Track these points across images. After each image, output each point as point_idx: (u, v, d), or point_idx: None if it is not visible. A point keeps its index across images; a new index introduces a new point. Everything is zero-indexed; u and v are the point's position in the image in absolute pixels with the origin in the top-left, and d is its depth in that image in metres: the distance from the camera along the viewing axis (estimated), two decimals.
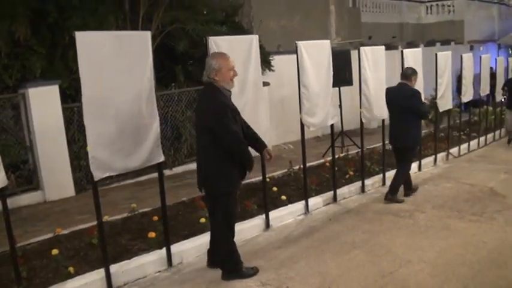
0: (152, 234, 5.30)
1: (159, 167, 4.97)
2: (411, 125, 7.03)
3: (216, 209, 4.58)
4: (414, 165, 8.96)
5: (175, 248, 5.14)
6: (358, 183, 7.73)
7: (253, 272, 4.75)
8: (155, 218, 5.75)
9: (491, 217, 6.35)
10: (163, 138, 4.88)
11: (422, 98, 8.51)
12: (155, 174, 5.17)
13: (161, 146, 4.86)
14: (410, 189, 7.44)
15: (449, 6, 21.86)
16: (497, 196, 7.33)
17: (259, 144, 4.75)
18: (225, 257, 4.70)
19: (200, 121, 4.49)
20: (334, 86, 6.95)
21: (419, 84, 8.68)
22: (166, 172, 5.46)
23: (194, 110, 4.72)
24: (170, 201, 5.44)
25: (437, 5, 22.22)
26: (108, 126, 4.32)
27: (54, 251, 4.89)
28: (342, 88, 10.00)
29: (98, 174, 4.30)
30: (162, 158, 4.86)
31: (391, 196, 7.07)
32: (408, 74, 7.13)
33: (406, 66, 8.22)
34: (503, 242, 5.48)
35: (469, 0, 22.26)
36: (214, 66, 4.36)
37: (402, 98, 6.96)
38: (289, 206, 6.65)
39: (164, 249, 5.06)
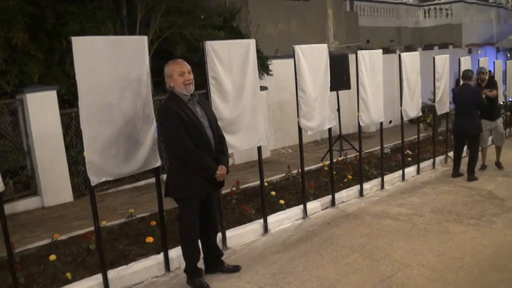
0: (150, 239, 5.29)
1: (156, 172, 4.97)
2: (476, 116, 8.46)
3: (178, 213, 4.68)
4: (413, 169, 9.02)
5: (173, 253, 5.13)
6: (357, 187, 7.71)
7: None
8: (153, 222, 5.73)
9: (490, 220, 6.34)
10: (161, 143, 4.89)
11: (419, 102, 8.68)
12: (153, 179, 5.17)
13: (158, 150, 4.86)
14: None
15: (447, 9, 21.87)
16: (496, 199, 7.32)
17: (218, 160, 4.53)
18: (184, 259, 4.70)
19: (158, 130, 4.58)
20: (331, 89, 6.97)
21: (417, 88, 8.75)
22: (164, 177, 5.43)
23: None
24: (168, 206, 5.42)
25: (435, 8, 22.24)
26: (105, 131, 4.33)
27: (52, 257, 4.86)
28: (339, 92, 10.00)
29: (94, 179, 4.30)
30: (159, 163, 4.86)
31: (471, 176, 8.43)
32: (469, 75, 8.54)
33: (403, 69, 8.27)
34: (502, 246, 5.47)
35: (467, 3, 22.27)
36: (167, 72, 4.43)
37: (469, 95, 8.32)
38: (288, 210, 6.63)
39: (162, 254, 5.05)
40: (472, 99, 8.31)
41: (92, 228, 4.67)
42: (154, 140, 4.75)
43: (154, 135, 4.75)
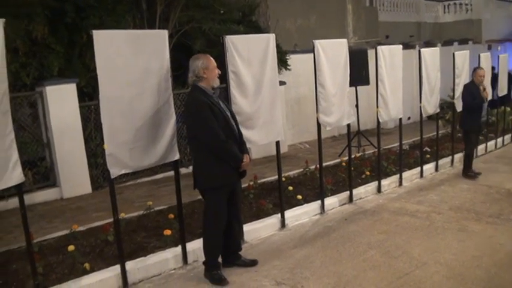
0: (168, 232, 5.31)
1: (175, 165, 4.99)
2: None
3: (204, 206, 4.67)
4: (431, 166, 8.93)
5: (190, 245, 5.15)
6: (375, 184, 7.66)
7: (222, 283, 4.61)
8: (171, 215, 5.76)
9: (509, 219, 6.27)
10: (180, 136, 4.91)
11: (438, 99, 8.53)
12: (171, 173, 5.20)
13: (177, 144, 4.88)
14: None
15: (467, 5, 21.59)
16: None
17: (241, 150, 4.65)
18: (205, 252, 4.71)
19: (185, 121, 4.59)
20: (350, 85, 6.91)
21: (436, 84, 8.66)
22: (183, 170, 5.48)
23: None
24: (186, 199, 5.45)
25: (454, 4, 21.96)
26: (125, 124, 4.36)
27: (70, 247, 4.92)
28: (358, 87, 9.94)
29: (114, 172, 4.33)
30: (177, 156, 4.88)
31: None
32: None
33: (423, 65, 8.20)
34: None
35: None
36: (202, 65, 4.47)
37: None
38: (305, 205, 6.62)
39: (179, 247, 5.07)
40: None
41: (110, 220, 4.72)
42: (174, 133, 4.78)
43: (174, 128, 4.77)
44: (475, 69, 8.53)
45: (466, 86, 8.48)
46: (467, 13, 21.44)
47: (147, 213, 6.17)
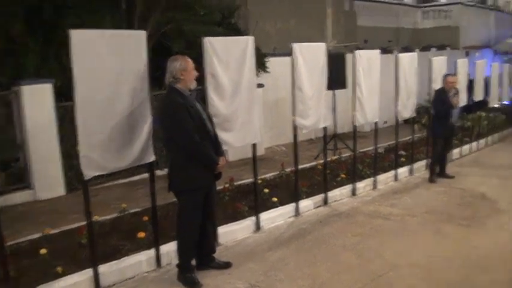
0: (142, 235, 5.29)
1: (150, 167, 4.96)
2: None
3: (179, 208, 4.66)
4: (406, 169, 9.06)
5: (164, 248, 5.13)
6: (350, 186, 7.73)
7: (195, 286, 4.61)
8: (145, 218, 5.73)
9: (482, 222, 6.39)
10: (156, 138, 4.88)
11: (414, 103, 8.63)
12: (147, 174, 5.16)
13: (153, 145, 4.86)
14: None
15: (445, 11, 21.92)
16: (488, 201, 7.37)
17: (217, 153, 4.67)
18: (178, 255, 4.71)
19: (161, 122, 4.56)
20: (328, 88, 6.99)
21: (413, 89, 8.78)
22: (158, 172, 5.45)
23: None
24: (161, 202, 5.43)
25: (433, 10, 22.28)
26: (100, 125, 4.32)
27: (43, 251, 4.87)
28: (336, 91, 10.01)
29: (88, 173, 4.29)
30: (152, 158, 4.86)
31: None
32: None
33: (400, 70, 8.31)
34: (493, 247, 5.51)
35: (466, 6, 22.33)
36: (180, 67, 4.46)
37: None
38: (280, 208, 6.64)
39: (153, 250, 5.05)
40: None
41: (84, 223, 4.67)
42: (149, 134, 4.75)
43: (150, 129, 4.75)
44: (446, 76, 8.67)
45: (436, 92, 8.65)
46: (446, 20, 21.77)
47: (122, 215, 6.13)
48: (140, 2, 8.78)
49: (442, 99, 8.39)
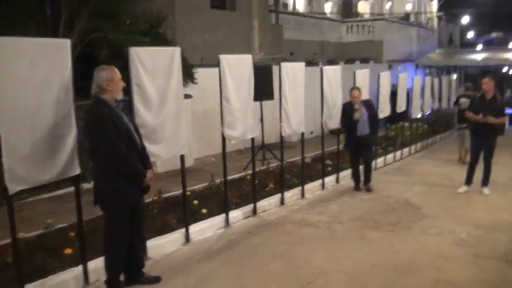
0: (68, 251, 5.10)
1: (75, 180, 4.80)
2: None
3: (105, 222, 4.56)
4: (332, 178, 9.29)
5: (92, 264, 4.96)
6: (278, 196, 7.84)
7: None
8: (72, 234, 5.53)
9: (406, 227, 6.65)
10: (82, 150, 4.72)
11: (339, 114, 8.84)
12: (73, 188, 4.97)
13: (79, 158, 4.70)
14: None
15: (369, 26, 22.77)
16: (412, 207, 7.69)
17: (145, 165, 4.62)
18: (106, 270, 4.61)
19: (87, 134, 4.47)
20: (255, 100, 7.07)
21: (338, 101, 9.05)
22: (84, 186, 5.29)
23: None
24: (87, 216, 5.27)
25: (357, 25, 23.08)
26: (24, 137, 4.13)
27: None
28: (263, 102, 10.14)
29: (12, 188, 4.08)
30: (78, 171, 4.70)
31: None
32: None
33: (325, 82, 8.54)
34: (416, 251, 5.75)
35: (389, 22, 23.32)
36: (106, 77, 4.38)
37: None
38: (210, 219, 6.62)
39: (81, 267, 4.87)
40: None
41: (9, 240, 4.43)
42: (75, 146, 4.60)
43: (75, 141, 4.60)
44: (351, 89, 8.75)
45: (342, 106, 8.86)
46: (369, 34, 22.61)
47: (47, 231, 5.87)
48: (66, 8, 8.51)
49: (345, 112, 8.63)
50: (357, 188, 8.83)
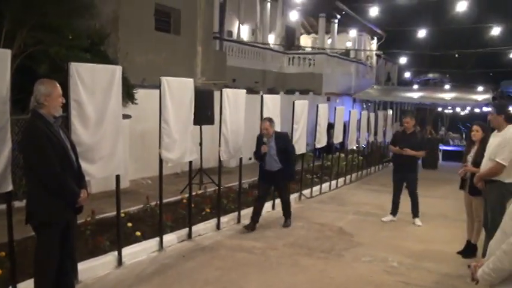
0: None
1: (7, 197, 4.59)
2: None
3: (36, 242, 4.41)
4: (268, 205, 9.34)
5: (22, 286, 4.77)
6: (214, 221, 7.82)
7: None
8: (2, 254, 5.28)
9: (339, 254, 6.79)
10: (16, 166, 4.55)
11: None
12: (4, 206, 4.75)
13: (12, 174, 4.52)
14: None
15: (310, 59, 23.38)
16: (345, 235, 7.87)
17: (79, 185, 4.49)
18: None
19: (21, 149, 4.35)
20: (195, 123, 7.09)
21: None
22: (16, 203, 5.06)
23: None
24: (19, 236, 5.05)
25: (299, 57, 23.65)
26: None
27: None
28: (203, 126, 10.16)
29: None
30: (10, 187, 4.51)
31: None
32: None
33: (265, 109, 8.66)
34: (349, 278, 5.89)
35: (329, 56, 24.08)
36: (45, 91, 4.26)
37: None
38: (143, 242, 6.51)
39: None
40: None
41: None
42: (8, 162, 4.43)
43: (9, 157, 4.42)
44: (261, 121, 8.27)
45: (257, 137, 8.16)
46: (310, 67, 23.20)
47: None
48: (8, 19, 8.26)
49: (259, 144, 8.05)
50: (248, 226, 7.91)
